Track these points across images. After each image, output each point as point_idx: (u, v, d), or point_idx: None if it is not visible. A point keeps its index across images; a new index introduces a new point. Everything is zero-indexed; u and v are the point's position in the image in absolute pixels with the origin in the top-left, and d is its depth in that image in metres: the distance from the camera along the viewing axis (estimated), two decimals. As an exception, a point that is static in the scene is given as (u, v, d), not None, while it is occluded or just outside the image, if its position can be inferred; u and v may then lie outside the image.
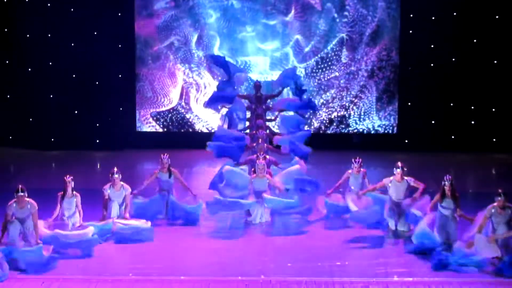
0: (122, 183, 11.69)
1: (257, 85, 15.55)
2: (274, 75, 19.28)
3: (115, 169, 11.66)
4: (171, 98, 19.51)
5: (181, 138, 19.20)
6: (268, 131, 13.65)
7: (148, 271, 9.91)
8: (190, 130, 19.58)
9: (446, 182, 10.91)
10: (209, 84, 19.41)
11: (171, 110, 19.56)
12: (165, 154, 12.58)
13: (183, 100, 19.48)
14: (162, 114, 19.59)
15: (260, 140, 13.32)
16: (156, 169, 12.57)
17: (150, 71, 19.44)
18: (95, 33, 19.05)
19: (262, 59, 19.33)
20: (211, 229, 11.97)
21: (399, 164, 11.75)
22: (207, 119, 19.51)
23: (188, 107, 19.52)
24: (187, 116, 19.54)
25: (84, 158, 17.48)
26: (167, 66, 19.42)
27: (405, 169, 11.72)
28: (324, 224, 12.19)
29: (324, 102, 19.38)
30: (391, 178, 11.65)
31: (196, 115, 19.56)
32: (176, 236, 11.59)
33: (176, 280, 9.53)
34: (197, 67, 19.40)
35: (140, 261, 10.35)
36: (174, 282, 9.47)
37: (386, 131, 19.34)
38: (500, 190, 10.32)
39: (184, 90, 19.47)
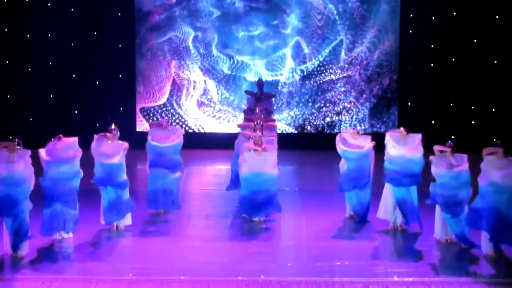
0: (120, 141, 11.78)
1: (259, 83, 15.65)
2: (271, 76, 19.29)
3: (113, 125, 11.76)
4: (163, 94, 19.41)
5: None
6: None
7: (148, 271, 9.91)
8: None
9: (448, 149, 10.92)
10: (199, 82, 19.36)
11: (162, 106, 19.49)
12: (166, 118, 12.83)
13: (174, 97, 19.38)
14: (152, 109, 19.50)
15: (257, 110, 13.37)
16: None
17: (146, 65, 19.38)
18: (95, 33, 19.05)
19: (260, 59, 19.30)
20: (211, 229, 11.98)
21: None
22: (196, 117, 19.44)
23: (180, 105, 19.44)
24: (180, 112, 19.48)
25: (84, 158, 17.48)
26: (162, 62, 19.36)
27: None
28: (324, 224, 12.19)
29: (322, 105, 19.35)
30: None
31: (188, 114, 19.49)
32: (176, 236, 11.59)
33: (176, 280, 9.54)
34: (192, 64, 19.34)
35: (140, 261, 10.36)
36: (174, 282, 9.47)
37: (386, 131, 19.30)
38: (498, 141, 10.43)
39: (177, 86, 19.39)
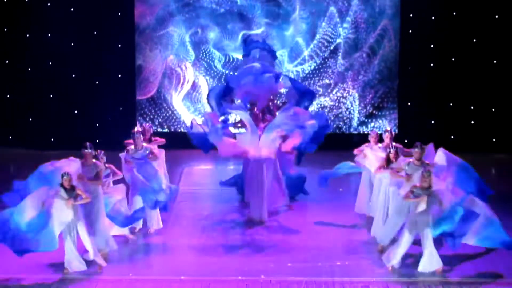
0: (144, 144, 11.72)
1: None
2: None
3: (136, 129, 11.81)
4: (155, 87, 19.35)
5: (176, 137, 19.03)
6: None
7: (148, 271, 9.92)
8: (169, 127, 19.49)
9: (391, 150, 10.90)
10: (188, 80, 19.31)
11: (150, 99, 19.42)
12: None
13: (165, 91, 19.29)
14: (144, 102, 19.45)
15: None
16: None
17: (143, 58, 19.32)
18: (95, 33, 19.05)
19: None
20: (211, 229, 11.98)
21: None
22: (185, 114, 19.34)
23: (171, 100, 19.35)
24: (169, 107, 19.41)
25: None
26: (159, 56, 19.30)
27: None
28: (324, 224, 12.20)
29: (323, 105, 19.28)
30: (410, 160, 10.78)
31: (178, 110, 19.40)
32: (176, 236, 11.60)
33: (176, 280, 9.55)
34: (188, 60, 19.28)
35: (140, 261, 10.36)
36: (174, 282, 9.48)
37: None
38: (417, 143, 10.59)
39: (170, 81, 19.30)
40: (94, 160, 10.50)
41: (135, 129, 11.73)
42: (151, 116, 19.38)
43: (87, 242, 9.88)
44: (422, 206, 9.80)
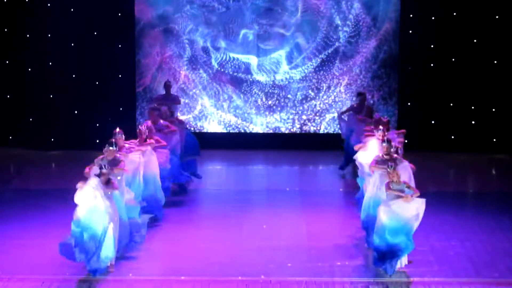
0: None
1: (166, 85, 16.37)
2: (260, 78, 19.19)
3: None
4: (149, 81, 19.30)
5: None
6: None
7: (148, 271, 9.93)
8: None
9: (384, 144, 10.79)
10: (182, 76, 19.28)
11: (142, 93, 19.36)
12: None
13: (159, 86, 19.25)
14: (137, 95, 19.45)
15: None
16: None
17: (141, 53, 19.25)
18: (95, 33, 19.04)
19: (256, 59, 19.17)
20: (211, 229, 11.99)
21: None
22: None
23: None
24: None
25: (84, 158, 17.48)
26: (157, 52, 19.24)
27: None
28: (324, 224, 12.20)
29: (319, 109, 19.23)
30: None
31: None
32: (176, 236, 11.60)
33: (176, 280, 9.55)
34: (185, 57, 19.23)
35: (140, 261, 10.37)
36: (174, 282, 9.49)
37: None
38: (386, 138, 10.91)
39: (165, 77, 19.20)
40: (118, 155, 10.56)
41: (117, 130, 11.61)
42: (143, 111, 19.35)
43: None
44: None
